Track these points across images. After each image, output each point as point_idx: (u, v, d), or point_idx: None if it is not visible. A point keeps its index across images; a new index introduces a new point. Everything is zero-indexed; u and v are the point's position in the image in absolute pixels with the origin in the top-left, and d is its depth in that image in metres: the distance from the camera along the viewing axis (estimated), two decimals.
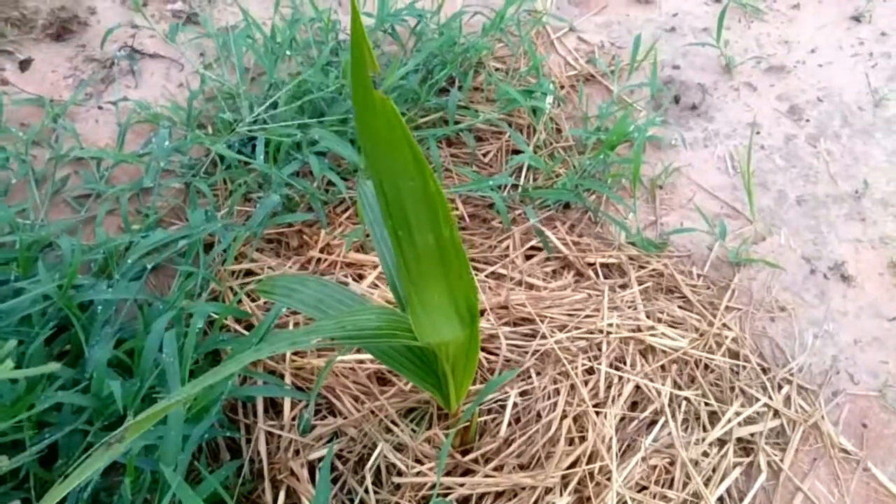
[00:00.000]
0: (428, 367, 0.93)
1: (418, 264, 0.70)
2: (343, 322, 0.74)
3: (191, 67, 1.85)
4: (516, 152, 1.63)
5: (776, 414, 1.20)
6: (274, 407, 1.14)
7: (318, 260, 1.39)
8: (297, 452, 1.07)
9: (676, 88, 1.82)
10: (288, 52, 1.74)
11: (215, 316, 1.26)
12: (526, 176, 1.60)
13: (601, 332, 1.20)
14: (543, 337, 1.18)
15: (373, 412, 1.11)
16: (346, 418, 1.10)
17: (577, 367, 1.13)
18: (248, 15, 1.82)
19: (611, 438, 1.04)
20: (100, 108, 1.78)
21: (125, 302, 1.25)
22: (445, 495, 0.98)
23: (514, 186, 1.58)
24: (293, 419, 1.11)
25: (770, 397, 1.21)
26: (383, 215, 0.66)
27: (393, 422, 1.09)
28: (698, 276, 1.42)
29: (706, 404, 1.17)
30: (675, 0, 2.11)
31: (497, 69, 1.85)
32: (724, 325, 1.31)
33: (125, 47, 1.89)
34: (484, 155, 1.66)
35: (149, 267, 1.31)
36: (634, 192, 1.55)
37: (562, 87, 1.84)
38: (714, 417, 1.16)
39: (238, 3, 1.95)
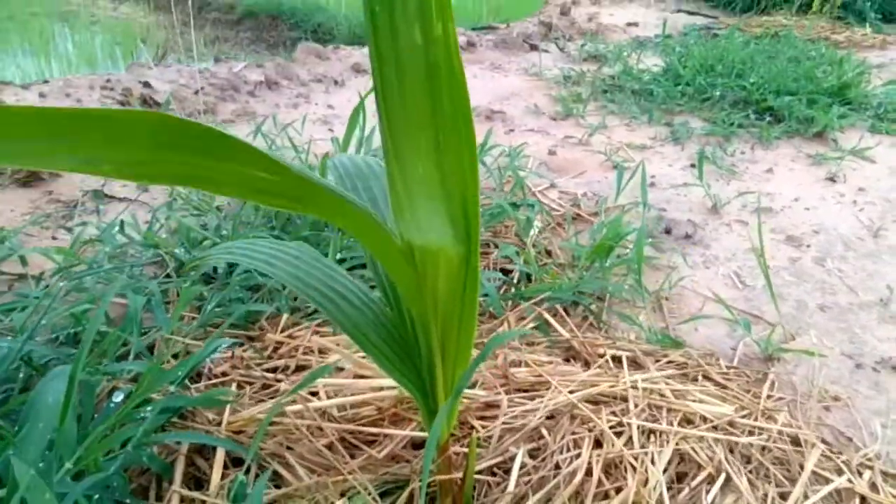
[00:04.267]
0: (408, 355, 0.69)
1: (402, 100, 0.54)
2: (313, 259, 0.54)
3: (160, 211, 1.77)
4: (504, 271, 1.49)
5: (863, 500, 0.91)
6: (197, 477, 0.84)
7: (276, 346, 1.16)
8: None
9: (666, 223, 1.76)
10: None
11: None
12: (518, 284, 1.44)
13: (624, 391, 0.95)
14: (553, 397, 0.93)
15: (332, 483, 0.81)
16: (294, 489, 0.81)
17: (600, 423, 0.87)
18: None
19: (658, 483, 0.75)
20: (54, 237, 1.65)
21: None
22: None
23: (507, 289, 1.41)
24: (223, 489, 0.81)
25: (850, 480, 0.93)
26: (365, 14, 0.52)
27: (359, 496, 0.80)
28: (728, 367, 1.20)
29: (767, 484, 0.89)
30: (651, 167, 2.15)
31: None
32: (769, 410, 1.07)
33: (96, 192, 1.83)
34: None
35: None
36: (640, 288, 1.39)
37: (548, 224, 1.76)
38: (782, 498, 0.87)
39: None
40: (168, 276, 1.45)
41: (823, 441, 1.03)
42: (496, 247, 1.56)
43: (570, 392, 0.95)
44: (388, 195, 0.62)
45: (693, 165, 2.13)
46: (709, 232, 1.75)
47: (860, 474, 0.96)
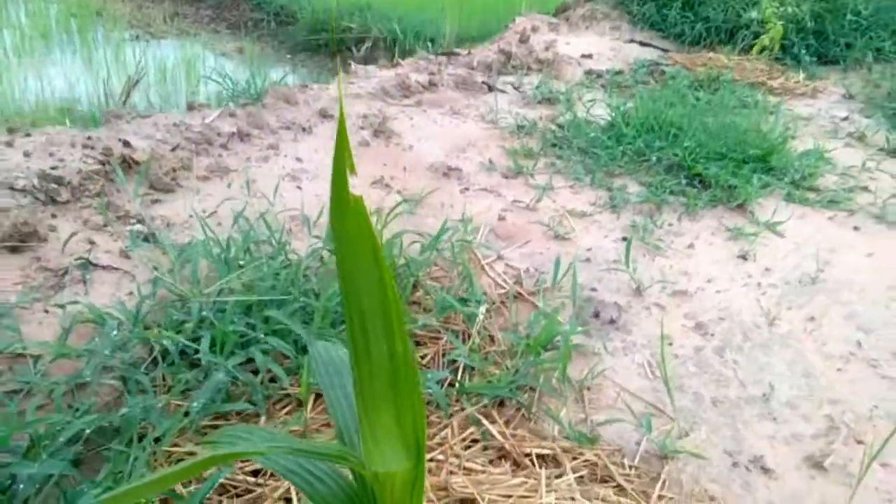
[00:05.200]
0: None
1: (371, 381, 0.76)
2: (299, 443, 0.76)
3: (143, 278, 1.94)
4: (452, 361, 1.73)
5: None
6: None
7: None
8: None
9: (595, 306, 2.02)
10: (241, 263, 1.87)
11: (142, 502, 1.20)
12: (462, 375, 1.68)
13: None
14: None
15: None
16: None
17: None
18: (206, 227, 1.97)
19: None
20: (46, 311, 1.81)
21: (48, 481, 1.19)
22: None
23: (452, 384, 1.65)
24: None
25: None
26: (347, 326, 0.74)
27: None
28: (630, 466, 1.47)
29: None
30: (589, 238, 2.41)
31: (433, 286, 2.02)
32: None
33: (80, 259, 1.98)
34: (422, 357, 1.75)
35: (81, 450, 1.28)
36: (564, 389, 1.64)
37: (493, 303, 2.00)
38: None
39: (198, 222, 2.12)
40: (154, 360, 1.64)
41: None
42: (446, 331, 1.80)
43: None
44: (354, 397, 0.84)
45: (626, 238, 2.38)
46: (631, 315, 2.01)
47: None
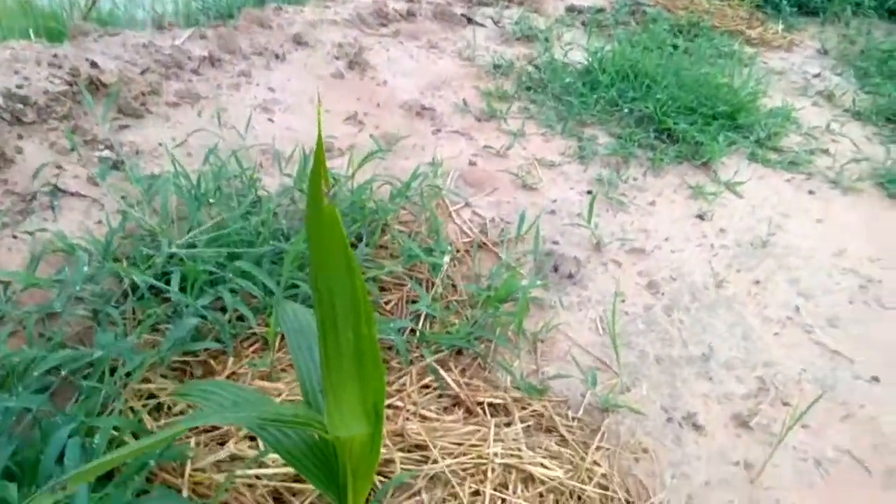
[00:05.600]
0: (330, 470, 1.01)
1: (339, 359, 0.83)
2: (264, 410, 0.83)
3: (112, 207, 1.95)
4: (415, 302, 1.81)
5: None
6: None
7: None
8: None
9: (556, 260, 2.10)
10: (211, 200, 1.89)
11: (115, 433, 1.27)
12: (423, 323, 1.76)
13: (487, 459, 1.31)
14: (435, 462, 1.28)
15: None
16: None
17: (464, 490, 1.23)
18: (176, 162, 1.98)
19: None
20: (14, 237, 1.82)
21: (25, 414, 1.25)
22: None
23: (413, 331, 1.73)
24: None
25: None
26: (315, 310, 0.79)
27: None
28: (573, 418, 1.58)
29: None
30: (555, 189, 2.47)
31: (401, 231, 2.07)
32: (594, 461, 1.46)
33: (48, 185, 1.98)
34: (386, 303, 1.82)
35: (54, 381, 1.33)
36: (519, 341, 1.74)
37: (458, 251, 2.07)
38: None
39: (167, 153, 2.11)
40: (125, 293, 1.68)
41: (626, 491, 1.44)
42: (410, 278, 1.87)
43: (449, 455, 1.30)
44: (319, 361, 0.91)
45: (590, 192, 2.45)
46: (589, 271, 2.10)
47: None
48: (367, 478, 0.99)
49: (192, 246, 1.78)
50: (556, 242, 2.19)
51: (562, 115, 2.95)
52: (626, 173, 2.62)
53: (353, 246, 1.94)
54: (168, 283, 1.64)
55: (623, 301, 2.00)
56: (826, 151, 3.07)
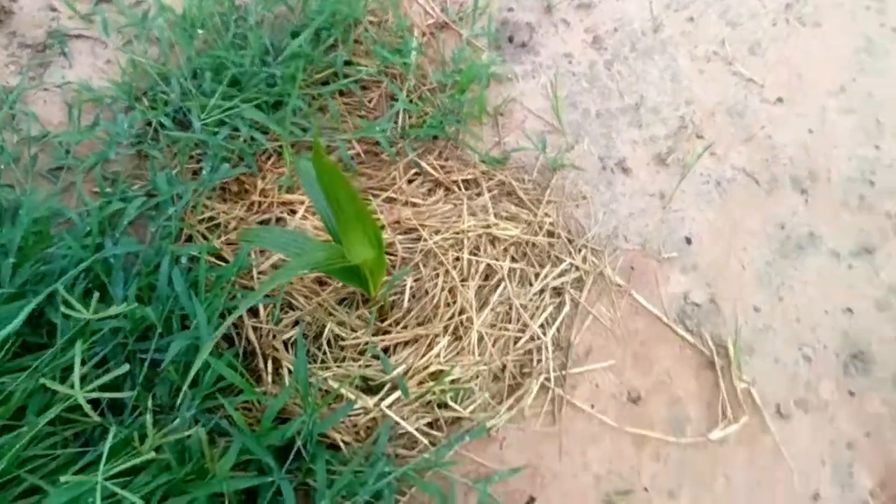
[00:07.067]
0: (356, 274, 1.52)
1: (347, 224, 1.27)
2: (307, 259, 1.31)
3: (113, 45, 2.21)
4: (394, 98, 2.16)
5: (577, 269, 1.88)
6: (252, 310, 1.71)
7: (259, 203, 1.91)
8: (274, 336, 1.65)
9: (511, 29, 2.36)
10: (200, 31, 2.14)
11: (196, 254, 1.78)
12: (403, 116, 2.13)
13: (463, 232, 1.81)
14: (425, 240, 1.79)
15: (319, 304, 1.70)
16: (302, 310, 1.69)
17: (448, 258, 1.76)
18: None
19: (471, 299, 1.68)
20: (45, 89, 2.14)
21: (136, 258, 1.75)
22: (373, 348, 1.61)
23: (395, 124, 2.12)
24: (268, 315, 1.69)
25: (573, 258, 1.88)
26: (330, 202, 1.22)
27: (334, 308, 1.69)
28: (528, 181, 2.05)
29: (532, 269, 1.83)
30: None
31: (371, 22, 2.32)
32: (545, 214, 1.96)
33: (53, 32, 2.21)
34: (369, 101, 2.17)
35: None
36: (481, 122, 2.13)
37: (423, 35, 2.34)
38: (537, 277, 1.83)
39: None
40: (155, 130, 2.05)
41: (568, 232, 1.96)
42: (386, 75, 2.19)
43: (435, 233, 1.81)
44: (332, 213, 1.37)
45: None
46: (541, 36, 2.38)
47: (579, 252, 1.91)
48: (379, 274, 1.50)
49: (196, 75, 2.09)
50: (510, 9, 2.43)
51: None
52: None
53: (333, 47, 2.23)
54: (185, 116, 2.00)
55: (570, 62, 2.32)
56: None
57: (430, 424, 1.59)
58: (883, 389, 1.78)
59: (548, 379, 1.70)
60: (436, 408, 1.59)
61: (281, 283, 1.70)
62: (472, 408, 1.61)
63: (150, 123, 2.05)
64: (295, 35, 2.18)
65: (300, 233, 1.48)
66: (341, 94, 2.19)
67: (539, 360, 1.71)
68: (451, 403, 1.59)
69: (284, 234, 1.47)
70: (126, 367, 1.26)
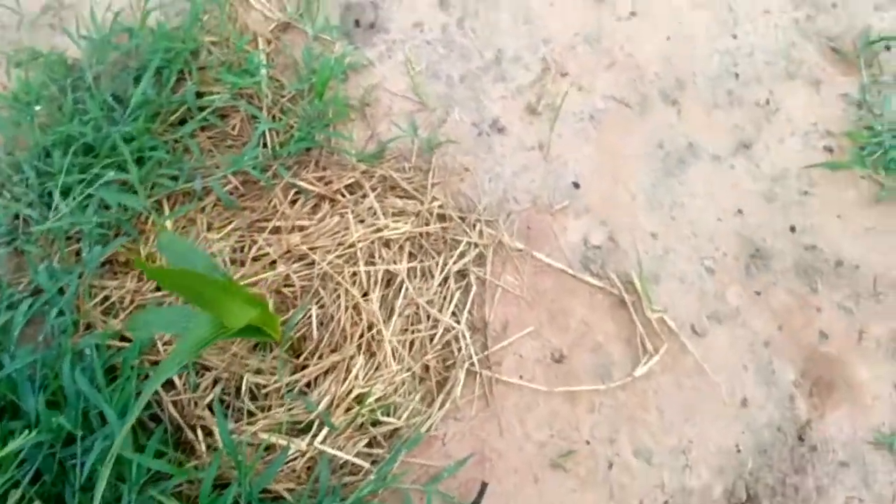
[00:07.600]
0: (251, 329, 1.51)
1: (215, 299, 1.26)
2: (191, 342, 1.30)
3: None
4: (256, 118, 2.10)
5: (475, 245, 1.90)
6: (168, 382, 1.71)
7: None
8: (196, 404, 1.66)
9: (355, 12, 2.29)
10: (37, 107, 2.04)
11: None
12: (270, 136, 2.08)
13: (354, 245, 1.81)
14: (319, 264, 1.78)
15: (233, 356, 1.70)
16: (217, 368, 1.69)
17: (345, 275, 1.76)
18: None
19: (376, 312, 1.70)
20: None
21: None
22: (294, 388, 1.63)
23: (265, 146, 2.07)
24: (184, 385, 1.68)
25: (469, 236, 1.90)
26: (186, 294, 1.20)
27: (248, 357, 1.70)
28: (409, 168, 2.03)
29: (433, 260, 1.85)
30: None
31: (214, 43, 2.23)
32: (433, 198, 1.96)
33: None
34: (232, 129, 2.11)
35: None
36: (349, 119, 2.09)
37: (269, 42, 2.26)
38: (438, 266, 1.85)
39: None
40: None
41: (459, 210, 1.96)
42: (241, 98, 2.13)
43: (327, 253, 1.80)
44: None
45: None
46: (386, 10, 2.31)
47: (474, 227, 1.93)
48: (273, 319, 1.50)
49: (49, 156, 2.01)
50: None
51: None
52: None
53: (181, 81, 2.14)
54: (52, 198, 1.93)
55: (422, 31, 2.27)
56: None
57: (369, 444, 1.63)
58: (785, 280, 1.86)
59: (472, 364, 1.75)
60: (369, 427, 1.62)
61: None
62: (405, 415, 1.65)
63: (18, 216, 1.97)
64: (137, 81, 2.10)
65: (186, 307, 1.46)
66: (203, 129, 2.12)
67: (460, 349, 1.75)
68: (382, 419, 1.62)
69: (171, 313, 1.46)
70: None
